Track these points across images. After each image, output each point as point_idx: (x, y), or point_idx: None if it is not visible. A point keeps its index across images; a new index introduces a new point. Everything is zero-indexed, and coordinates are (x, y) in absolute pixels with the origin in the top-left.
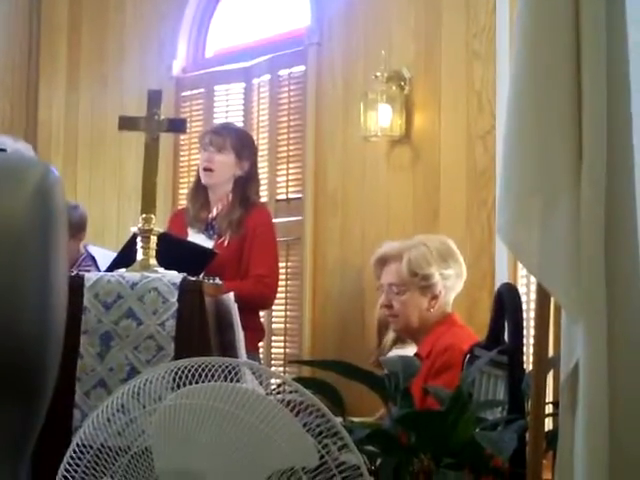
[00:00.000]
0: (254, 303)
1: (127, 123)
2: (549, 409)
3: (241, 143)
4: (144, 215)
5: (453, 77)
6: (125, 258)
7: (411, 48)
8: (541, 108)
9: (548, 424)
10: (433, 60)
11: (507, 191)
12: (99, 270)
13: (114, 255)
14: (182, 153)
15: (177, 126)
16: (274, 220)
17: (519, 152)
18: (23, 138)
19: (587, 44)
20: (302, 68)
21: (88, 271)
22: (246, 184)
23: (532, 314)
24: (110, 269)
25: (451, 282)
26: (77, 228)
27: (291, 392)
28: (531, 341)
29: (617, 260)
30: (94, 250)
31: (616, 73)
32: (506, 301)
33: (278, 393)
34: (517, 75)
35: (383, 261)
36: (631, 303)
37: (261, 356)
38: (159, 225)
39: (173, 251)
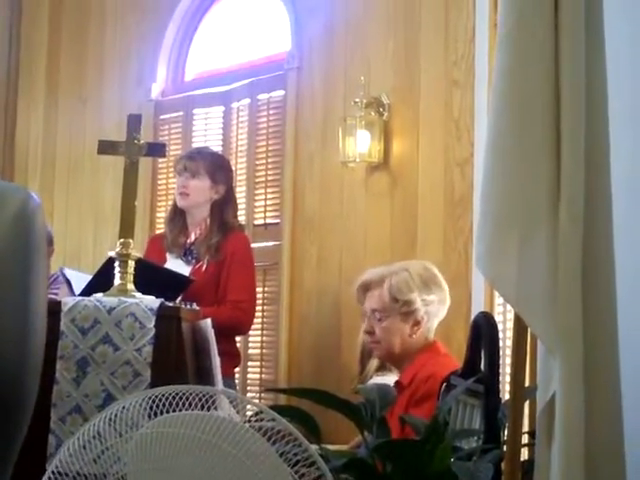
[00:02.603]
0: (231, 329)
1: (106, 147)
2: (525, 439)
3: (215, 167)
4: (122, 239)
5: (432, 104)
6: (100, 282)
7: (390, 75)
8: (519, 141)
9: (524, 454)
10: (412, 87)
11: (485, 222)
12: (74, 294)
13: (89, 279)
14: (160, 177)
15: (156, 150)
16: (252, 245)
17: (497, 184)
18: (0, 159)
19: (566, 78)
20: (281, 93)
21: (56, 294)
22: (223, 208)
23: (508, 343)
24: (85, 293)
25: (434, 308)
26: (49, 242)
27: (268, 420)
28: (507, 370)
29: (594, 292)
30: (70, 273)
31: (595, 105)
32: (482, 330)
33: (255, 421)
34: (496, 107)
35: (366, 287)
36: (608, 336)
37: (237, 382)
38: (136, 249)
39: (149, 277)
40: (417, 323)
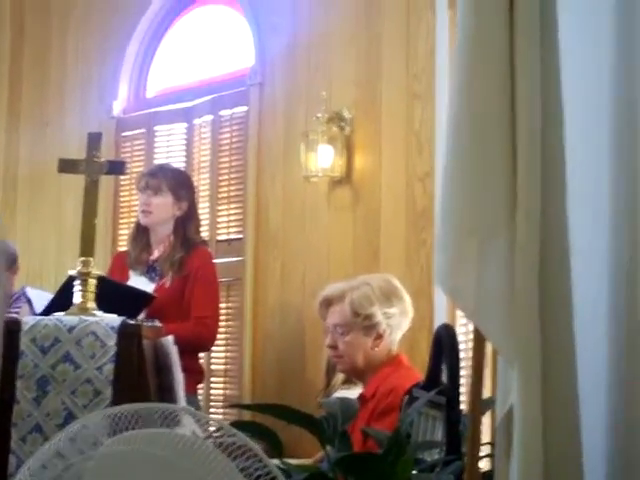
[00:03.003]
0: (194, 345)
1: (67, 166)
2: (487, 450)
3: (178, 183)
4: (82, 258)
5: (393, 118)
6: (61, 301)
7: (351, 89)
8: (476, 153)
9: (486, 465)
10: (373, 101)
11: (444, 236)
12: (35, 313)
13: (51, 297)
14: (122, 194)
15: (117, 168)
16: (215, 260)
17: (455, 197)
18: None
19: (522, 90)
20: (244, 109)
21: (17, 312)
22: (186, 224)
23: (471, 355)
24: (46, 312)
25: (395, 321)
26: (12, 261)
27: (230, 436)
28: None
29: (551, 304)
30: (32, 293)
31: (551, 117)
32: (444, 342)
33: (217, 437)
34: (453, 120)
35: (327, 302)
36: (565, 347)
37: (200, 398)
38: (99, 267)
39: (111, 295)
40: (379, 336)
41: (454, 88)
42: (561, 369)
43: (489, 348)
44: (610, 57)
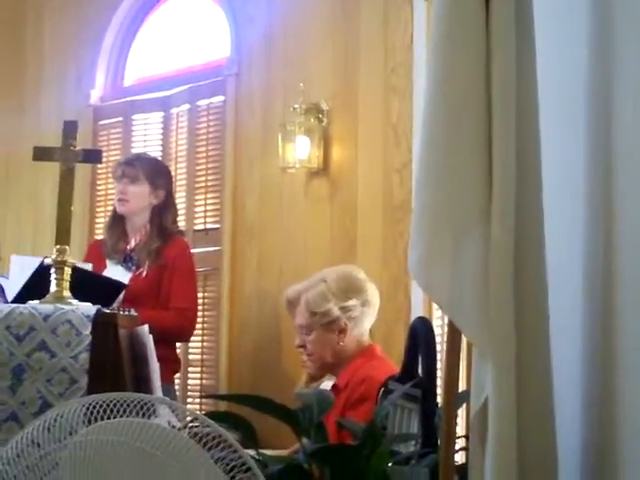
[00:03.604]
0: (174, 335)
1: (42, 154)
2: (462, 443)
3: (154, 172)
4: (58, 246)
5: (370, 110)
6: (32, 288)
7: (329, 81)
8: (451, 148)
9: (461, 458)
10: (351, 93)
11: (418, 229)
12: (6, 301)
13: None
14: (99, 182)
15: (93, 157)
16: (192, 250)
17: (430, 191)
18: None
19: (497, 85)
20: (221, 98)
21: None
22: (162, 213)
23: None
24: (17, 300)
25: (356, 312)
26: None
27: (204, 426)
28: None
29: (525, 298)
30: (3, 281)
31: (526, 114)
32: (420, 335)
33: (192, 427)
34: (428, 115)
35: (291, 304)
36: (539, 341)
37: (177, 388)
38: (75, 256)
39: (83, 284)
40: (342, 331)
41: (429, 82)
42: (535, 362)
43: (464, 341)
44: (586, 52)
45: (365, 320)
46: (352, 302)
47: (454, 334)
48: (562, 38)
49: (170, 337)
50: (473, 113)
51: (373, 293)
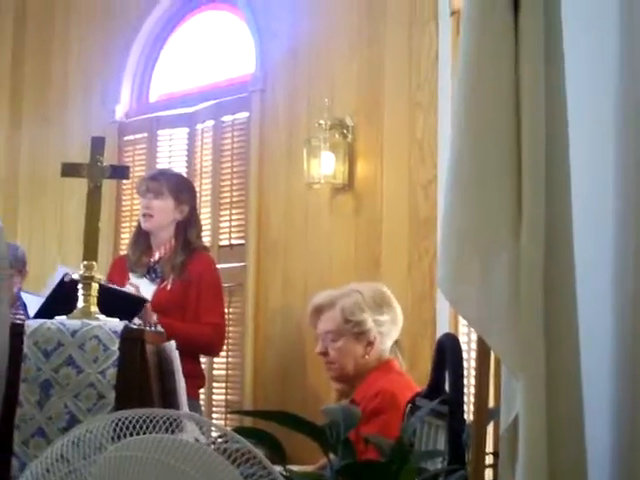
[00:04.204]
0: (207, 350)
1: (70, 170)
2: (490, 460)
3: (178, 187)
4: (85, 262)
5: (395, 126)
6: (54, 305)
7: (354, 96)
8: (480, 164)
9: (489, 475)
10: (376, 109)
11: (447, 244)
12: (28, 316)
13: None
14: (124, 198)
15: (120, 173)
16: (217, 266)
17: (459, 205)
18: None
19: (526, 101)
20: (246, 114)
21: (21, 317)
22: (187, 228)
23: (473, 364)
24: (39, 315)
25: (386, 328)
26: (23, 263)
27: (233, 442)
28: (472, 391)
29: (556, 315)
30: (26, 297)
31: (555, 128)
32: (447, 351)
33: (220, 443)
34: (456, 132)
35: (318, 310)
36: (569, 358)
37: (202, 403)
38: (101, 271)
39: (104, 300)
40: (370, 343)
41: (457, 98)
42: (566, 379)
43: (493, 357)
44: (614, 62)
45: (390, 337)
46: (384, 317)
47: (484, 350)
48: (591, 48)
49: (203, 351)
50: (502, 130)
51: (400, 313)
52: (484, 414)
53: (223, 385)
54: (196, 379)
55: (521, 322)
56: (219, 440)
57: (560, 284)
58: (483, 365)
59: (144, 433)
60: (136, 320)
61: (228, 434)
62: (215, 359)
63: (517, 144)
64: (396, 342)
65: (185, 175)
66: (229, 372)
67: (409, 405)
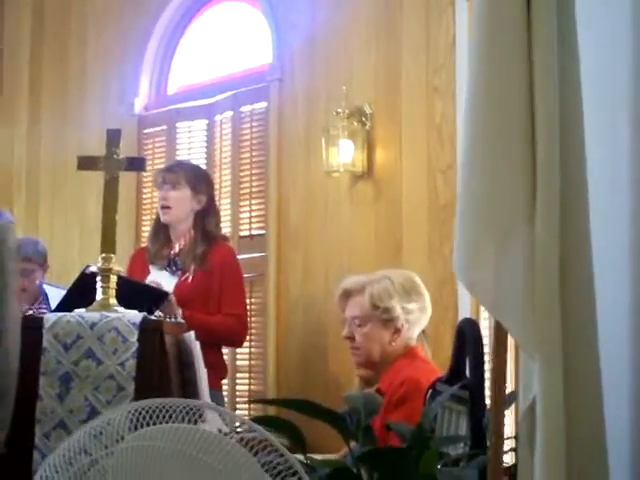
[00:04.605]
0: (231, 341)
1: (86, 163)
2: (511, 444)
3: (195, 177)
4: (104, 254)
5: (414, 112)
6: (75, 297)
7: (372, 84)
8: (494, 149)
9: (511, 459)
10: (394, 96)
11: (463, 229)
12: (50, 309)
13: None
14: (145, 191)
15: (136, 165)
16: (238, 256)
17: (474, 190)
18: None
19: (540, 86)
20: (264, 104)
21: (45, 310)
22: (205, 218)
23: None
24: (59, 308)
25: (414, 316)
26: (43, 258)
27: (251, 431)
28: None
29: (572, 296)
30: (48, 289)
31: (570, 113)
32: (467, 336)
33: (239, 432)
34: (470, 117)
35: (347, 294)
36: (586, 339)
37: (225, 394)
38: (122, 264)
39: (126, 293)
40: (397, 331)
41: (470, 86)
42: (583, 360)
43: (513, 341)
44: (628, 53)
45: (418, 326)
46: (413, 305)
47: (500, 334)
48: (604, 37)
49: (226, 343)
50: (516, 115)
51: (429, 302)
52: (501, 397)
53: (246, 375)
54: (218, 370)
55: (537, 303)
56: (238, 429)
57: (576, 264)
58: (500, 348)
59: (163, 422)
60: (157, 312)
61: (244, 422)
62: (238, 349)
63: (531, 128)
64: (423, 331)
65: (204, 166)
66: (252, 362)
67: (430, 391)
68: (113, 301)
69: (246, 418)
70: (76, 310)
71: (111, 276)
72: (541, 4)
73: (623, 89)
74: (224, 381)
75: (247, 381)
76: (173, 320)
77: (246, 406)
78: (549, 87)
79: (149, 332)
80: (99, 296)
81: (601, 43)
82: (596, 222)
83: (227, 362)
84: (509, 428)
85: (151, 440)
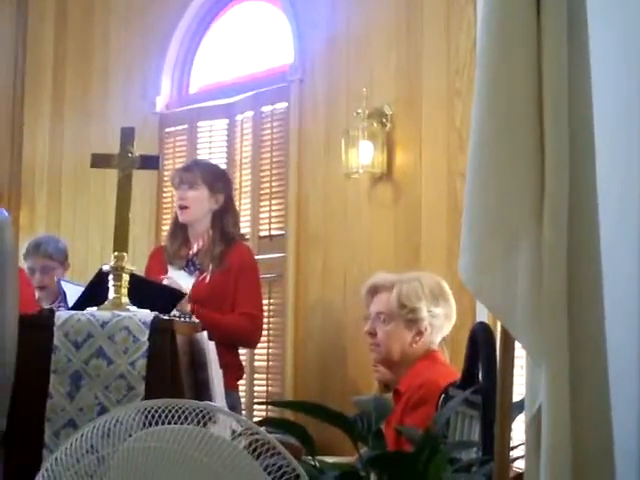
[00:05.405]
0: (245, 341)
1: (100, 160)
2: (522, 451)
3: (212, 177)
4: (116, 253)
5: (434, 114)
6: (92, 295)
7: (392, 85)
8: (502, 151)
9: (521, 466)
10: (414, 97)
11: (469, 233)
12: (68, 306)
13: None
14: (165, 189)
15: (150, 163)
16: (257, 257)
17: (481, 195)
18: (7, 173)
19: (549, 86)
20: (285, 105)
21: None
22: (223, 217)
23: None
24: (76, 306)
25: (439, 322)
26: (65, 256)
27: (253, 433)
28: None
29: (579, 303)
30: (66, 286)
31: (579, 114)
32: (480, 340)
33: (246, 435)
34: (478, 118)
35: (374, 290)
36: (593, 346)
37: (243, 394)
38: (141, 263)
39: (142, 292)
40: (420, 333)
41: (478, 86)
42: (590, 367)
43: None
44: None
45: (441, 332)
46: (439, 310)
47: (507, 340)
48: (615, 40)
49: (239, 342)
50: (524, 116)
51: (454, 310)
52: (508, 403)
53: (264, 377)
54: (234, 370)
55: (544, 309)
56: (245, 432)
57: (584, 271)
58: (507, 354)
59: (172, 423)
60: (174, 312)
61: (248, 425)
62: (256, 350)
63: (539, 130)
64: (444, 338)
65: (224, 166)
66: (270, 363)
67: (442, 395)
68: (125, 300)
69: (250, 421)
70: (88, 309)
71: (123, 275)
72: (551, 4)
73: (636, 91)
74: (242, 382)
75: (265, 382)
76: (186, 320)
77: (263, 407)
78: (559, 88)
79: (160, 332)
80: (111, 295)
81: (615, 45)
82: (606, 223)
83: (245, 363)
84: (520, 435)
85: (151, 441)
